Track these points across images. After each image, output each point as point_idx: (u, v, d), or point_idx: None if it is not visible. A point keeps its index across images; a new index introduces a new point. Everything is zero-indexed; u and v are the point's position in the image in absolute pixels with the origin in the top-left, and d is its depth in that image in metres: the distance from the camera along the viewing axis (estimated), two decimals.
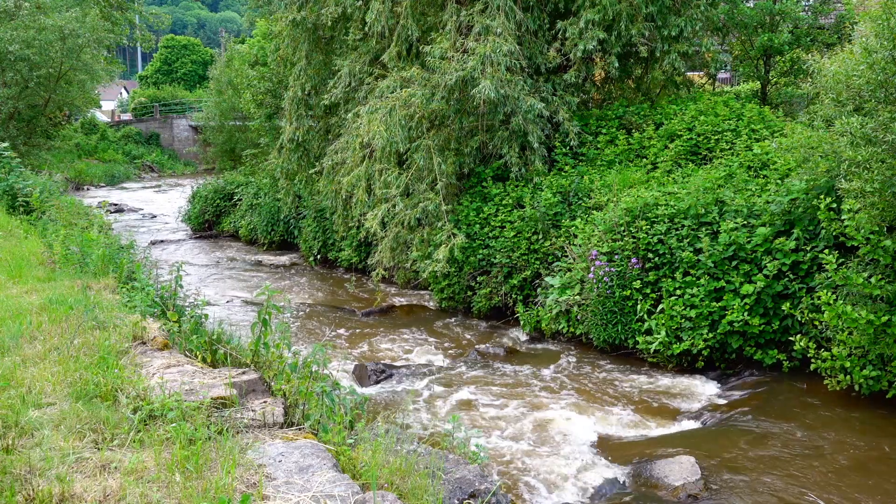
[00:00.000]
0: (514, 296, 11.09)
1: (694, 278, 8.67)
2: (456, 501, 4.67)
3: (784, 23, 15.82)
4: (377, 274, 12.27)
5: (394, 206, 11.65)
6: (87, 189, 34.92)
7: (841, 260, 7.49)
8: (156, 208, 28.34)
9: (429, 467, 4.06)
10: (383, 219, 11.77)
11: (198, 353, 5.21)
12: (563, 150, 12.07)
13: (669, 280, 8.88)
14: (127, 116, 55.57)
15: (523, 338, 10.57)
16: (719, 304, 8.43)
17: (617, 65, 12.32)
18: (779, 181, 9.05)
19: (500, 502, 5.02)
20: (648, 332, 8.95)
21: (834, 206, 7.77)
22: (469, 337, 10.89)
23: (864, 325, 6.95)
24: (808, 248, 8.16)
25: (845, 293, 7.40)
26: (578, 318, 9.72)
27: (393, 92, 11.85)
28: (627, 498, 5.93)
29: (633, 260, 9.06)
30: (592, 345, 9.65)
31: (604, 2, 11.65)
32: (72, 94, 27.73)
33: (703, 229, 8.80)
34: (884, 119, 6.80)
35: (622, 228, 9.38)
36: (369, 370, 8.92)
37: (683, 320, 8.56)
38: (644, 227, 9.18)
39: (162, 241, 20.78)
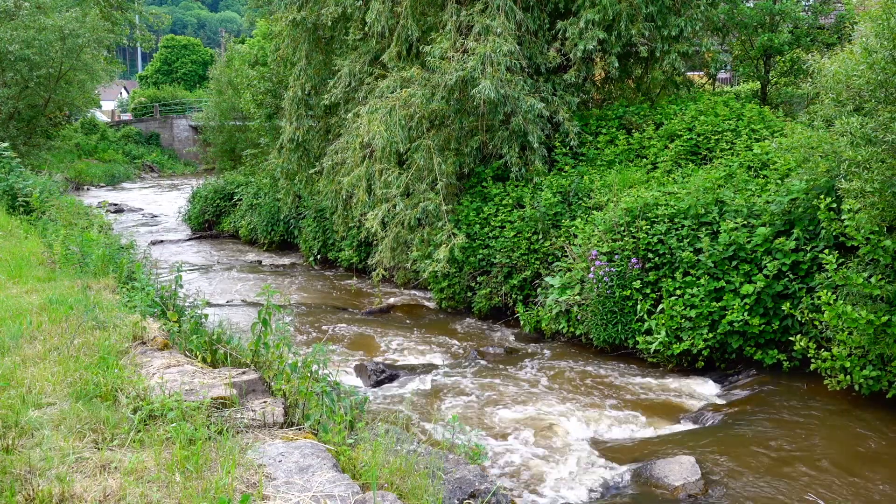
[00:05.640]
0: (514, 296, 11.10)
1: (694, 278, 8.67)
2: (456, 501, 4.67)
3: (784, 23, 15.84)
4: (377, 274, 12.27)
5: (394, 206, 11.65)
6: (87, 189, 34.92)
7: (841, 260, 7.48)
8: (156, 208, 28.33)
9: (429, 467, 4.05)
10: (383, 219, 11.77)
11: (198, 353, 5.21)
12: (563, 150, 12.07)
13: (669, 280, 8.88)
14: (127, 116, 55.60)
15: (523, 338, 10.57)
16: (719, 304, 8.42)
17: (617, 65, 12.33)
18: (779, 181, 9.05)
19: (500, 502, 5.02)
20: (648, 332, 8.95)
21: (834, 206, 7.77)
22: (469, 337, 10.88)
23: (864, 325, 6.95)
24: (808, 248, 8.16)
25: (845, 293, 7.39)
26: (578, 318, 9.72)
27: (393, 92, 11.85)
28: (627, 498, 5.93)
29: (633, 260, 9.06)
30: (592, 345, 9.65)
31: (604, 2, 11.65)
32: (72, 94, 27.73)
33: (703, 229, 8.80)
34: (884, 119, 6.80)
35: (622, 228, 9.38)
36: (369, 370, 8.91)
37: (683, 320, 8.56)
38: (644, 227, 9.18)
39: (162, 241, 20.78)
